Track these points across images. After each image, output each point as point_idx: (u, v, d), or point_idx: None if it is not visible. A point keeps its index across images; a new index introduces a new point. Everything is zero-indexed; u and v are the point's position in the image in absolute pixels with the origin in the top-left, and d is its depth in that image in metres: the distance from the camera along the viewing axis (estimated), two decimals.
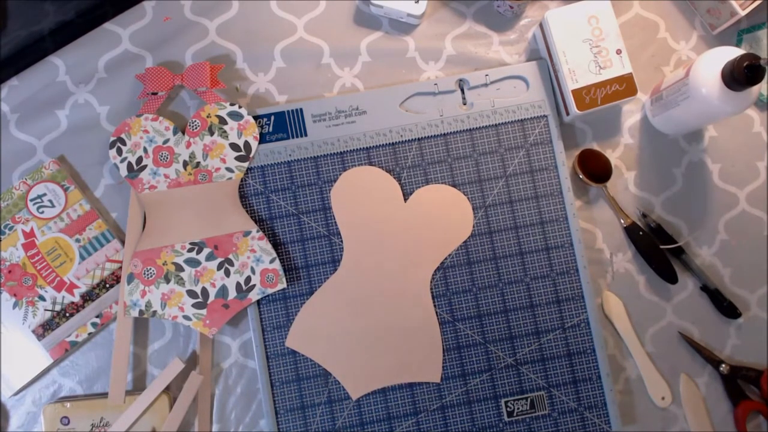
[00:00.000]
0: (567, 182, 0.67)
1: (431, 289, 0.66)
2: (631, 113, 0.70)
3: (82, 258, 0.66)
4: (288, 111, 0.67)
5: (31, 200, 0.66)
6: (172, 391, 0.65)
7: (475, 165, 0.67)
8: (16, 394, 0.65)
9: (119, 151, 0.66)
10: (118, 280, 0.66)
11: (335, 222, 0.66)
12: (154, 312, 0.64)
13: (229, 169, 0.66)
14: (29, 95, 0.68)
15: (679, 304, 0.68)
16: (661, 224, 0.68)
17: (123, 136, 0.66)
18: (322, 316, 0.65)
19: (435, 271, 0.66)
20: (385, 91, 0.68)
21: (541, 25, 0.68)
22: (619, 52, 0.66)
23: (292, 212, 0.66)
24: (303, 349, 0.65)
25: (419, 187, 0.67)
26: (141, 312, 0.64)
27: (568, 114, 0.67)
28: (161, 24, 0.69)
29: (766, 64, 0.55)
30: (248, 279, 0.65)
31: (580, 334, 0.66)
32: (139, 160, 0.66)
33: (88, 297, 0.65)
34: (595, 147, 0.70)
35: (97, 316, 0.65)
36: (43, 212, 0.66)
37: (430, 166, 0.67)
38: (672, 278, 0.67)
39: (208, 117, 0.66)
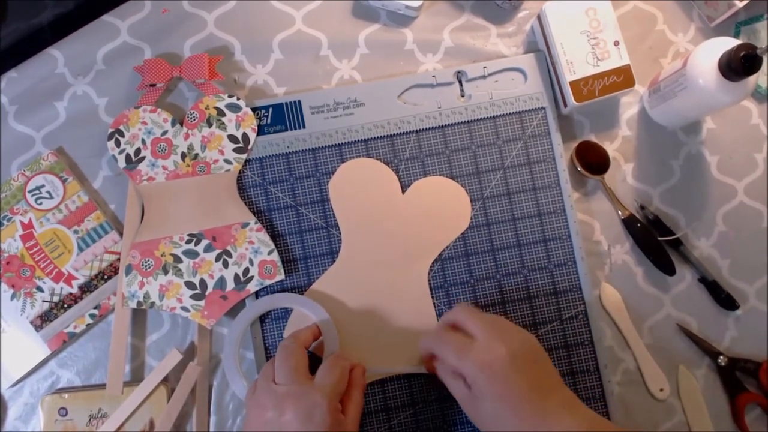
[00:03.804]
0: (565, 174, 0.67)
1: (429, 280, 0.66)
2: (629, 105, 0.70)
3: (81, 249, 0.66)
4: (286, 103, 0.67)
5: (30, 191, 0.66)
6: (170, 382, 0.65)
7: (473, 157, 0.68)
8: (14, 385, 0.65)
9: (117, 143, 0.66)
10: (116, 271, 0.66)
11: (333, 214, 0.66)
12: (152, 303, 0.64)
13: (227, 161, 0.66)
14: (28, 87, 0.68)
15: (677, 295, 0.68)
16: (659, 216, 0.68)
17: (121, 127, 0.66)
18: None
19: (433, 262, 0.66)
20: (384, 83, 0.68)
21: (539, 17, 0.68)
22: (616, 43, 0.66)
23: (291, 204, 0.67)
24: None
25: (417, 179, 0.67)
26: (139, 303, 0.64)
27: (566, 106, 0.67)
28: (160, 16, 0.69)
29: (763, 54, 0.55)
30: (246, 270, 0.65)
31: (578, 325, 0.66)
32: (137, 151, 0.66)
33: (86, 288, 0.65)
34: (593, 139, 0.70)
35: (95, 308, 0.65)
36: (41, 203, 0.66)
37: (428, 158, 0.67)
38: (670, 270, 0.67)
39: (206, 109, 0.66)
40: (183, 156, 0.66)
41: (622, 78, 0.65)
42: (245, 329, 0.64)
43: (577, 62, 0.65)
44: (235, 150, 0.66)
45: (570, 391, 0.55)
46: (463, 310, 0.58)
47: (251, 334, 0.65)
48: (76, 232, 0.66)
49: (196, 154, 0.66)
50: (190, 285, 0.64)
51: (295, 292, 0.65)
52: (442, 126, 0.68)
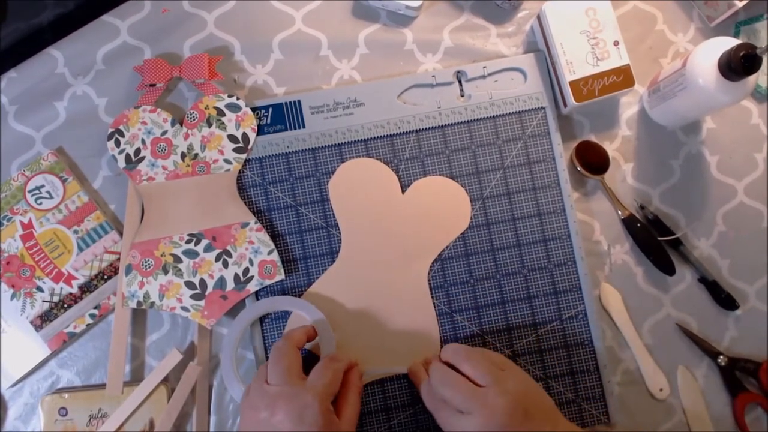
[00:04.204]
0: (565, 174, 0.67)
1: (429, 280, 0.66)
2: (628, 105, 0.70)
3: (81, 249, 0.66)
4: (286, 103, 0.67)
5: (30, 191, 0.66)
6: (170, 382, 0.65)
7: (473, 157, 0.68)
8: (14, 385, 0.65)
9: (117, 143, 0.66)
10: (116, 271, 0.66)
11: (333, 214, 0.66)
12: (152, 303, 0.64)
13: (227, 161, 0.66)
14: (28, 87, 0.68)
15: (677, 295, 0.68)
16: (658, 216, 0.68)
17: (121, 127, 0.66)
18: (319, 307, 0.65)
19: (433, 262, 0.66)
20: (383, 83, 0.68)
21: (538, 17, 0.68)
22: (616, 43, 0.66)
23: (290, 204, 0.67)
24: None
25: (417, 178, 0.67)
26: (139, 303, 0.64)
27: (565, 106, 0.67)
28: (159, 16, 0.70)
29: (763, 53, 0.55)
30: (246, 270, 0.65)
31: (578, 325, 0.66)
32: (137, 151, 0.66)
33: (86, 288, 0.65)
34: (593, 139, 0.70)
35: (95, 308, 0.65)
36: (41, 203, 0.66)
37: (428, 158, 0.67)
38: (670, 270, 0.67)
39: (206, 109, 0.66)
40: (183, 156, 0.66)
41: (622, 78, 0.65)
42: (242, 333, 0.64)
43: (576, 62, 0.65)
44: (235, 150, 0.66)
45: (567, 424, 0.56)
46: (444, 381, 0.57)
47: (250, 334, 0.65)
48: (76, 232, 0.66)
49: (196, 154, 0.66)
50: (190, 285, 0.64)
51: (295, 292, 0.65)
52: (442, 126, 0.68)
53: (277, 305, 0.64)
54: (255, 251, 0.65)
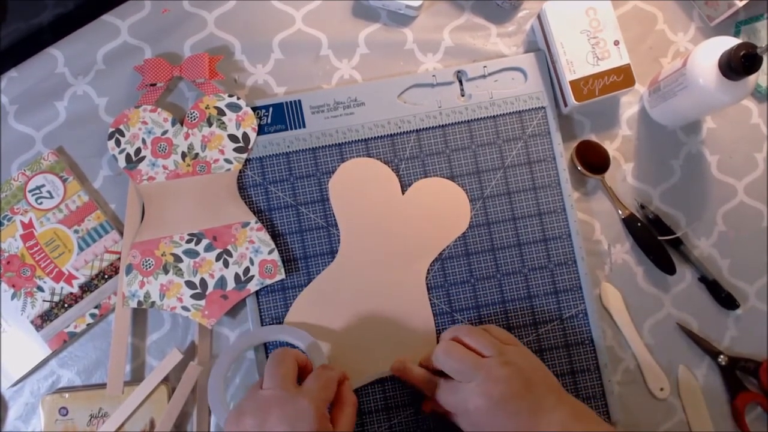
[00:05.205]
0: (565, 174, 0.67)
1: (429, 280, 0.66)
2: (629, 105, 0.70)
3: (81, 249, 0.66)
4: (286, 102, 0.67)
5: (30, 191, 0.66)
6: (170, 381, 0.65)
7: (473, 156, 0.68)
8: (14, 385, 0.65)
9: (118, 143, 0.66)
10: (116, 271, 0.66)
11: (333, 213, 0.66)
12: (153, 303, 0.64)
13: (227, 161, 0.66)
14: (28, 87, 0.68)
15: (678, 295, 0.68)
16: (659, 215, 0.68)
17: (121, 127, 0.66)
18: (318, 307, 0.65)
19: (433, 262, 0.66)
20: (384, 83, 0.68)
21: (539, 17, 0.68)
22: (616, 43, 0.66)
23: (291, 203, 0.67)
24: None
25: (417, 178, 0.67)
26: (139, 303, 0.64)
27: (566, 105, 0.67)
28: (160, 16, 0.70)
29: (763, 53, 0.55)
30: (247, 270, 0.65)
31: (578, 325, 0.66)
32: (138, 151, 0.66)
33: (87, 288, 0.65)
34: (593, 138, 0.70)
35: (95, 307, 0.65)
36: (41, 203, 0.66)
37: (428, 158, 0.67)
38: (670, 269, 0.67)
39: (206, 108, 0.66)
40: (183, 155, 0.66)
41: (622, 77, 0.65)
42: (231, 364, 0.62)
43: (577, 62, 0.65)
44: (236, 149, 0.66)
45: (572, 400, 0.56)
46: (449, 351, 0.58)
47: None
48: (76, 231, 0.66)
49: (197, 154, 0.66)
50: (190, 284, 0.64)
51: (295, 291, 0.65)
52: (442, 125, 0.68)
53: (268, 336, 0.64)
54: (255, 251, 0.65)
